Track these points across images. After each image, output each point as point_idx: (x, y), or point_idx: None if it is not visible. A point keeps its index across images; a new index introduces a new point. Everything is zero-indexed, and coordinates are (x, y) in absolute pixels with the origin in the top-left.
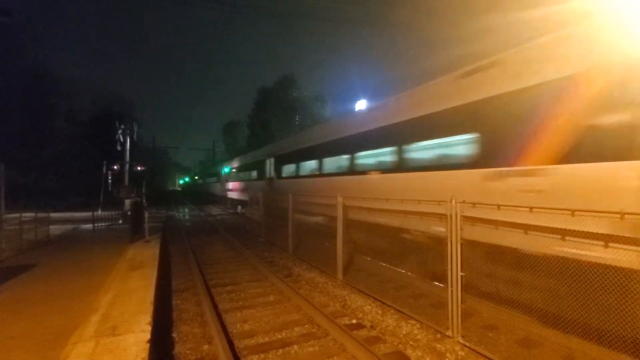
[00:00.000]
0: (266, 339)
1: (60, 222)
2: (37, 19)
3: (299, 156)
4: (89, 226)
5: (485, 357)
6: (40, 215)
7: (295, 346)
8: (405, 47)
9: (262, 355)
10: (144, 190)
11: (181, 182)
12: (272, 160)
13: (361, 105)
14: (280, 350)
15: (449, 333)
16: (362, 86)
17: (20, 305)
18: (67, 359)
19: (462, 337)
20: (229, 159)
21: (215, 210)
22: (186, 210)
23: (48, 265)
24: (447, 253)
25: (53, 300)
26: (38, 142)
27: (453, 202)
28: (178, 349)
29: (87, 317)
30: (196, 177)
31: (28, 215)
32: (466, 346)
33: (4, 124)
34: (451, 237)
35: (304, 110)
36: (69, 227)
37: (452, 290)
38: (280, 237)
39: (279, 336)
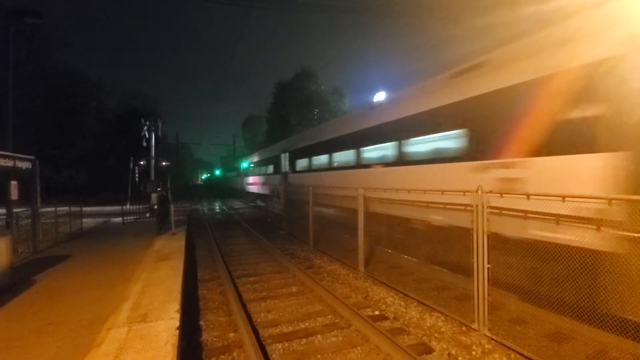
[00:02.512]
0: (290, 329)
1: (91, 215)
2: (65, 22)
3: None
4: (118, 219)
5: (514, 350)
6: (74, 209)
7: (318, 336)
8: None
9: (287, 344)
10: (169, 185)
11: (204, 177)
12: None
13: (380, 97)
14: (304, 340)
15: (474, 326)
16: (379, 78)
17: (57, 294)
18: (102, 343)
19: (489, 330)
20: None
21: (236, 204)
22: (209, 204)
23: (82, 256)
24: (473, 245)
25: (87, 289)
26: (70, 140)
27: (479, 192)
28: (205, 336)
29: (119, 305)
30: (207, 176)
31: (62, 209)
32: (493, 339)
33: (39, 123)
34: (477, 228)
35: (322, 103)
36: (100, 220)
37: (478, 283)
38: (300, 229)
39: (303, 326)
